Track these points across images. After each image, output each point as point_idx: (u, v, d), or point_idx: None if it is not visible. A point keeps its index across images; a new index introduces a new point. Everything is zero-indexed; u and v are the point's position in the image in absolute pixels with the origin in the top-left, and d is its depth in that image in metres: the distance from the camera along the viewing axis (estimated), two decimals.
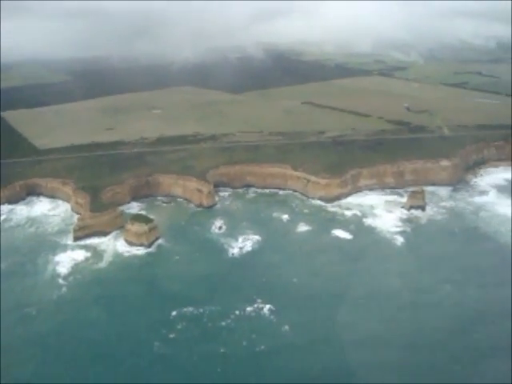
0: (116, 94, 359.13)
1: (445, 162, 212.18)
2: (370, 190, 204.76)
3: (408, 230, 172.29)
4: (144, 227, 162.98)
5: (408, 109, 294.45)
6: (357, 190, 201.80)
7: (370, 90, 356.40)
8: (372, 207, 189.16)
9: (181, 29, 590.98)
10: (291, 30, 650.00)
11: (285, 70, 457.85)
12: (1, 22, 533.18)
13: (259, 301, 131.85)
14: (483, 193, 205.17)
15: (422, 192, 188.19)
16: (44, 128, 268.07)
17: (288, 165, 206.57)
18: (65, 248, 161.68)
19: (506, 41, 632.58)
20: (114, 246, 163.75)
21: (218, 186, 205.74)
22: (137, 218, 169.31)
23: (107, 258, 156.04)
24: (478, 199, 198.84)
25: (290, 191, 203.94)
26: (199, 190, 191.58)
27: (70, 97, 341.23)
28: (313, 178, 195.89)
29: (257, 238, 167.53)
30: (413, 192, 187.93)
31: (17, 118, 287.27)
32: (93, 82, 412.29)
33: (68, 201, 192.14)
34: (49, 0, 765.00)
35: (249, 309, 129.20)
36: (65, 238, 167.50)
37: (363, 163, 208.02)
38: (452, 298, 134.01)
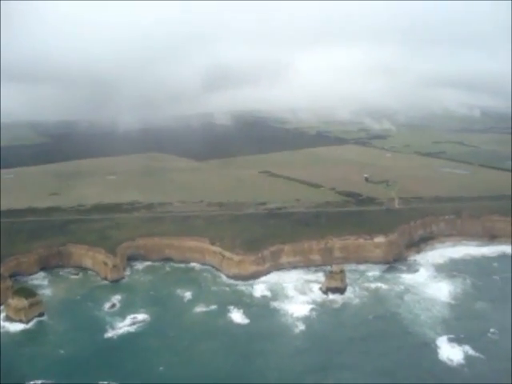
0: (80, 158, 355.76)
1: (379, 239, 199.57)
2: (294, 267, 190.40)
3: (314, 315, 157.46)
4: (24, 302, 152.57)
5: (367, 179, 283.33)
6: (278, 268, 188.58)
7: (337, 160, 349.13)
8: (286, 288, 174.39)
9: (148, 95, 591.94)
10: (277, 97, 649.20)
11: (258, 139, 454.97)
12: None
13: None
14: (416, 272, 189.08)
15: (341, 272, 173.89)
16: None
17: (207, 238, 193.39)
18: None
19: (490, 110, 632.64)
20: None
21: (135, 258, 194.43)
22: (19, 291, 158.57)
23: None
24: (408, 280, 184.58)
25: (208, 266, 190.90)
26: (105, 263, 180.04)
27: (33, 160, 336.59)
28: (227, 254, 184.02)
29: (147, 318, 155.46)
30: (331, 272, 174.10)
31: None
32: (62, 145, 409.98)
33: None
34: None
35: None
36: None
37: (290, 238, 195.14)
38: None
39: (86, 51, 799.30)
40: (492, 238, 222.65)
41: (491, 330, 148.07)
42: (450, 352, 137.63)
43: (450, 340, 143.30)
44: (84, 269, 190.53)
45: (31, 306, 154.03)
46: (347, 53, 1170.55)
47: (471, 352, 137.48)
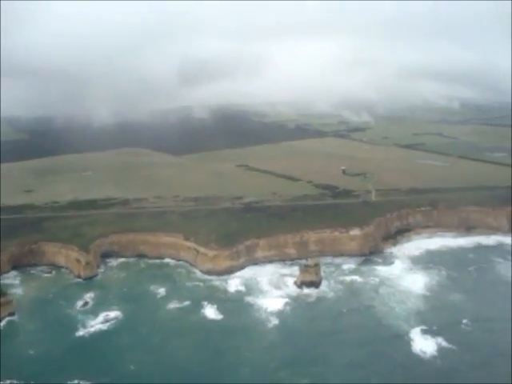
0: (56, 154, 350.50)
1: (355, 231, 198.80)
2: (270, 261, 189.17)
3: (288, 310, 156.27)
4: None
5: (344, 172, 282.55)
6: (253, 262, 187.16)
7: (315, 153, 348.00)
8: (260, 282, 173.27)
9: (124, 90, 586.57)
10: (256, 90, 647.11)
11: (237, 132, 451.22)
12: None
13: None
14: (392, 265, 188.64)
15: (316, 266, 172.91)
16: None
17: (181, 234, 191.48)
18: None
19: (468, 102, 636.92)
20: None
21: (109, 255, 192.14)
22: None
23: None
24: (384, 272, 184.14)
25: (183, 262, 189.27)
26: (78, 261, 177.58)
27: (8, 157, 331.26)
28: (202, 249, 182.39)
29: (119, 315, 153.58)
30: (306, 266, 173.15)
31: None
32: (37, 141, 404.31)
33: None
34: None
35: None
36: None
37: (266, 232, 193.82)
38: None
39: (61, 45, 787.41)
40: (468, 229, 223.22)
41: (464, 321, 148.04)
42: (423, 344, 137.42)
43: (424, 332, 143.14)
44: (57, 267, 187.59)
45: (1, 305, 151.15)
46: (326, 45, 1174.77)
47: (444, 344, 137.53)
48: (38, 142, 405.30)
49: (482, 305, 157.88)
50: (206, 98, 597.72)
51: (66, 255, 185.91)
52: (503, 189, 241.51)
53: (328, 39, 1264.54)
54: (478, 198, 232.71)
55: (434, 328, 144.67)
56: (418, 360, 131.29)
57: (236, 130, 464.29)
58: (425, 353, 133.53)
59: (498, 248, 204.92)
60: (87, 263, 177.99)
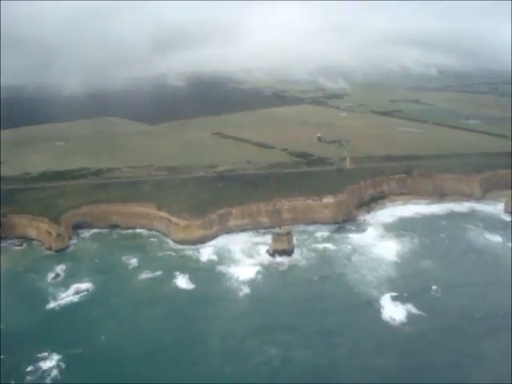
0: (28, 124, 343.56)
1: (328, 199, 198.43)
2: (243, 230, 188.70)
3: (260, 278, 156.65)
4: None
5: (320, 139, 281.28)
6: (226, 231, 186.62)
7: (291, 120, 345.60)
8: (233, 251, 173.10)
9: (96, 57, 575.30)
10: (232, 57, 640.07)
11: (213, 100, 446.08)
12: None
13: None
14: (365, 232, 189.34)
15: (288, 234, 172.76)
16: None
17: (154, 204, 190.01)
18: None
19: (446, 69, 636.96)
20: None
21: (81, 226, 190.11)
22: None
23: None
24: (357, 240, 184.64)
25: (155, 232, 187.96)
26: (49, 233, 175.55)
27: None
28: (174, 219, 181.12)
29: (91, 287, 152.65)
30: (278, 234, 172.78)
31: None
32: (7, 112, 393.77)
33: None
34: None
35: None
36: None
37: (239, 201, 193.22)
38: (274, 362, 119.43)
39: (29, 12, 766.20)
40: (442, 196, 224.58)
41: (434, 287, 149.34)
42: (393, 311, 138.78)
43: (394, 299, 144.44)
44: (28, 239, 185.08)
45: None
46: (303, 11, 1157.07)
47: (413, 310, 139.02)
48: (8, 112, 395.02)
49: (451, 271, 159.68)
50: (181, 65, 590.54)
51: (36, 227, 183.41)
52: (477, 156, 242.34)
53: (305, 5, 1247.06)
54: (452, 165, 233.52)
55: (405, 295, 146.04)
56: (387, 327, 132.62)
57: (212, 98, 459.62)
58: (394, 319, 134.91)
59: (470, 215, 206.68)
60: (58, 235, 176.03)
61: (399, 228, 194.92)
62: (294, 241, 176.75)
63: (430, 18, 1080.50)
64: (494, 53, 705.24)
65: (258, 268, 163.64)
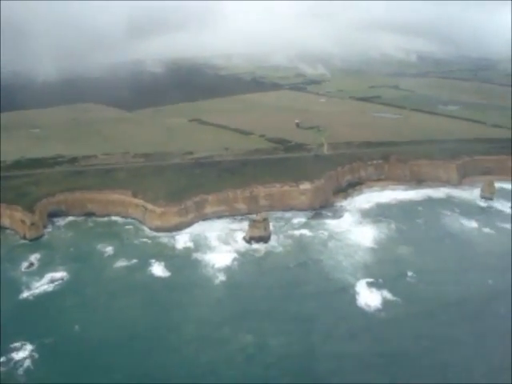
0: (3, 111, 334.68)
1: (305, 185, 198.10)
2: (219, 217, 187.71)
3: (235, 265, 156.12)
4: None
5: (298, 125, 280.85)
6: (202, 218, 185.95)
7: (270, 106, 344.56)
8: (209, 238, 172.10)
9: (73, 41, 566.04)
10: (211, 43, 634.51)
11: (191, 86, 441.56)
12: None
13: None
14: (341, 218, 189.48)
15: (265, 221, 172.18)
16: None
17: (129, 191, 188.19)
18: None
19: (426, 55, 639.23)
20: None
21: (56, 214, 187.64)
22: None
23: None
24: (333, 226, 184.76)
25: (131, 220, 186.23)
26: (23, 221, 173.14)
27: None
28: (150, 206, 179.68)
29: (65, 276, 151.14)
30: (254, 221, 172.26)
31: None
32: None
33: None
34: None
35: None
36: None
37: (215, 188, 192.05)
38: (249, 349, 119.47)
39: None
40: (419, 182, 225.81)
41: (409, 273, 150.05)
42: (368, 297, 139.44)
43: (369, 285, 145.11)
44: (2, 228, 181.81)
45: None
46: None
47: (389, 296, 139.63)
48: None
49: (427, 257, 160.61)
50: (158, 50, 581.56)
51: (10, 216, 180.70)
52: (454, 142, 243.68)
53: None
54: (429, 151, 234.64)
55: (380, 281, 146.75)
56: (363, 313, 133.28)
57: (190, 84, 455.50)
58: (369, 306, 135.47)
59: (447, 200, 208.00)
60: (32, 223, 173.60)
61: (376, 214, 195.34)
62: (271, 227, 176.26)
63: (410, 5, 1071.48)
64: (474, 40, 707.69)
65: (234, 255, 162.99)
